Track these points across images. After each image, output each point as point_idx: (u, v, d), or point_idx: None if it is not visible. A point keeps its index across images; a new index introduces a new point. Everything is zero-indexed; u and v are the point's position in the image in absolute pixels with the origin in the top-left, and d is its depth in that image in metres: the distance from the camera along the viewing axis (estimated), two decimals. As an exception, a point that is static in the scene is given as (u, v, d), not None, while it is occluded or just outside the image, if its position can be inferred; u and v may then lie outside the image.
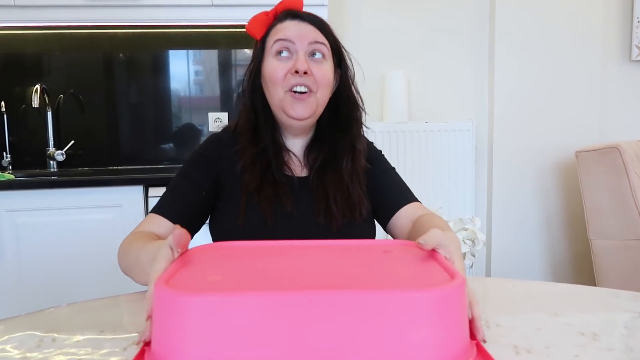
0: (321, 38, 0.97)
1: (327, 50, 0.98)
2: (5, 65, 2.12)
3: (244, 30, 1.04)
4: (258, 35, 1.01)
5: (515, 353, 0.56)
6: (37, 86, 1.97)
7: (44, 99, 2.08)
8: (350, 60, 1.06)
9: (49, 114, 2.09)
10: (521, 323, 0.66)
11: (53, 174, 2.08)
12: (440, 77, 2.31)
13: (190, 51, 2.22)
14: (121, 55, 2.18)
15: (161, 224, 0.89)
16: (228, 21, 1.94)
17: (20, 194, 1.65)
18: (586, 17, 2.25)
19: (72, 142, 2.13)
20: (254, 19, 1.01)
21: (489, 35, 2.28)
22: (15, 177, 1.80)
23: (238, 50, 2.26)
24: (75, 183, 1.68)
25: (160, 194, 0.95)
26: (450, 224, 2.10)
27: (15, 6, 1.82)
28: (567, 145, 2.27)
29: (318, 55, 0.97)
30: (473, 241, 2.09)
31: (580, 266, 2.37)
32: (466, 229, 2.11)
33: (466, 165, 2.27)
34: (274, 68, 0.95)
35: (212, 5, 1.89)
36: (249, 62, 1.03)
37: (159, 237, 0.85)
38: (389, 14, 2.26)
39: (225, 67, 2.27)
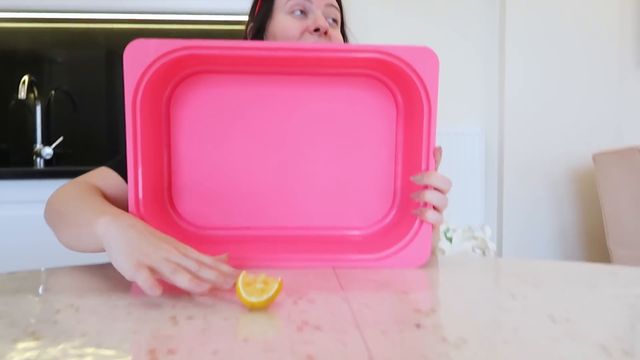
0: (335, 2, 0.92)
1: (338, 17, 0.93)
2: (-5, 59, 2.04)
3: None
4: None
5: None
6: (25, 77, 1.88)
7: (34, 92, 1.99)
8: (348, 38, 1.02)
9: (38, 109, 2.00)
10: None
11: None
12: (448, 78, 2.21)
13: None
14: (118, 51, 2.10)
15: (114, 182, 0.74)
16: (226, 12, 1.86)
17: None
18: (600, 19, 2.16)
19: (62, 138, 2.03)
20: None
21: (498, 36, 2.19)
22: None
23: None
24: (58, 174, 1.57)
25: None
26: (459, 232, 1.97)
27: (6, -8, 1.75)
28: (582, 151, 2.15)
29: (331, 20, 0.91)
30: (483, 251, 1.96)
31: (597, 282, 2.22)
32: (476, 238, 1.98)
33: (475, 171, 2.15)
34: (290, 25, 0.87)
35: (211, -5, 1.82)
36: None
37: (107, 197, 0.71)
38: (396, 13, 2.18)
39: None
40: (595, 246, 2.19)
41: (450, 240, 1.93)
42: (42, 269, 0.67)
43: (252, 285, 0.48)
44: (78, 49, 2.08)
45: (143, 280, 0.49)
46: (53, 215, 0.68)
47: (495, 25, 2.21)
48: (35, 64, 2.05)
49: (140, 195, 0.66)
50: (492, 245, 1.92)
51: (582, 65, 2.17)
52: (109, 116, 2.10)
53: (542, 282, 0.59)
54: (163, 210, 0.73)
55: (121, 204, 0.68)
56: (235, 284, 0.49)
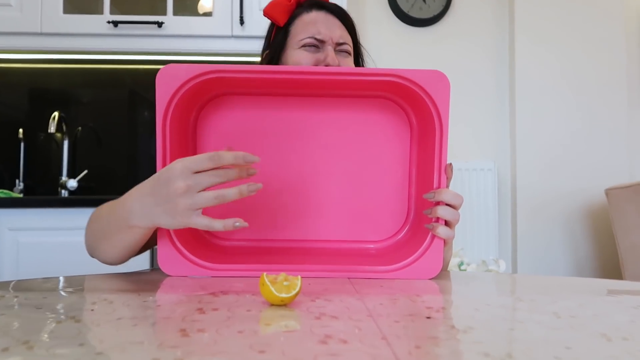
0: (347, 37, 0.99)
1: (351, 48, 1.01)
2: (28, 97, 2.16)
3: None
4: (281, 22, 0.99)
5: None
6: (56, 113, 1.98)
7: (62, 127, 2.09)
8: (363, 58, 1.07)
9: (66, 143, 2.09)
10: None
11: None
12: (460, 115, 2.27)
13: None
14: (142, 91, 2.21)
15: None
16: (246, 52, 1.96)
17: (25, 212, 1.61)
18: (610, 57, 2.22)
19: (86, 171, 2.11)
20: (275, 3, 1.00)
21: (509, 71, 2.26)
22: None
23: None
24: (81, 202, 1.63)
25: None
26: (473, 266, 1.97)
27: (42, 34, 1.87)
28: (595, 187, 2.16)
29: (344, 53, 0.99)
30: (498, 285, 1.96)
31: (616, 320, 2.18)
32: (490, 272, 1.98)
33: (489, 206, 2.17)
34: (302, 58, 0.95)
35: (232, 36, 1.92)
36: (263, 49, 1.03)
37: None
38: (407, 51, 2.27)
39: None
40: (613, 282, 2.17)
41: (464, 274, 1.93)
42: (74, 275, 0.71)
43: (278, 283, 0.51)
44: (105, 88, 2.18)
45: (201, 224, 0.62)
46: (90, 238, 0.75)
47: (505, 60, 2.28)
48: (64, 102, 2.16)
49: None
50: (507, 280, 1.91)
51: (592, 104, 2.22)
52: (130, 152, 2.18)
53: (550, 291, 0.62)
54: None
55: None
56: (260, 283, 0.52)
